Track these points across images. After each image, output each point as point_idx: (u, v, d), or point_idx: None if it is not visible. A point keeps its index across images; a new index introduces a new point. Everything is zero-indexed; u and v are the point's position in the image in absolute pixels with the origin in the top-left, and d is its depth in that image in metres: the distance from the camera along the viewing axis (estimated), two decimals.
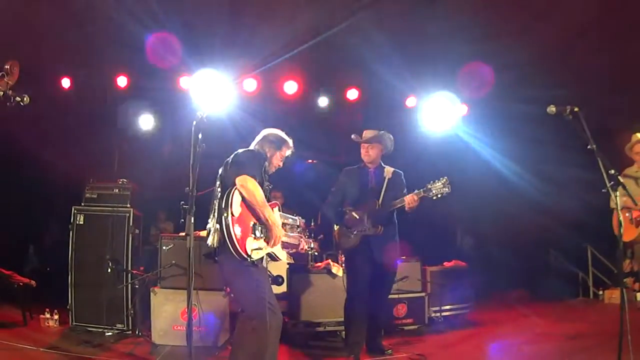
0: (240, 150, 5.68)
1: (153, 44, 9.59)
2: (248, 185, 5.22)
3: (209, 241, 5.24)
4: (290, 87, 11.22)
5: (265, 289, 5.39)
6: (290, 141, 6.05)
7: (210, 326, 7.74)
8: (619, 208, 5.79)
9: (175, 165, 8.68)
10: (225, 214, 5.10)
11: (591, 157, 5.54)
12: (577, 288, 13.30)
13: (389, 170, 7.54)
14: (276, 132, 6.03)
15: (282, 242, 5.84)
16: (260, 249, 5.32)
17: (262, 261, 5.61)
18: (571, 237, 13.02)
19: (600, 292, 12.44)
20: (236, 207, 5.21)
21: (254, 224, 5.36)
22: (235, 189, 5.25)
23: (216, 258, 5.32)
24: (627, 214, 8.00)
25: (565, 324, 9.53)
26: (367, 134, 7.65)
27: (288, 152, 6.06)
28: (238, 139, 8.05)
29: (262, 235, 5.41)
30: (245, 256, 5.15)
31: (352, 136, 7.66)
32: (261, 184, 5.52)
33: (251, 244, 5.23)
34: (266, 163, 5.79)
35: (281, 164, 6.04)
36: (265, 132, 6.03)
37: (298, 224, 6.42)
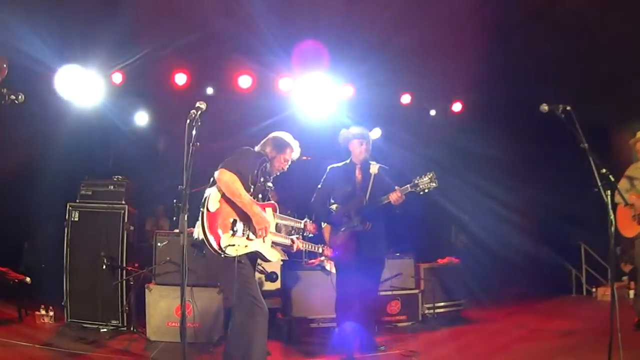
0: (238, 149, 5.75)
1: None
2: (223, 177, 5.30)
3: (194, 234, 5.29)
4: (285, 84, 11.26)
5: (250, 283, 5.45)
6: (295, 145, 6.12)
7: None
8: (609, 207, 5.81)
9: (171, 161, 8.70)
10: (202, 209, 5.19)
11: (585, 154, 5.57)
12: (571, 285, 13.34)
13: (374, 166, 7.52)
14: (282, 135, 6.10)
15: (272, 241, 5.89)
16: (235, 245, 5.31)
17: (253, 257, 5.66)
18: (565, 234, 13.06)
19: (594, 290, 12.50)
20: (213, 203, 5.26)
21: (234, 221, 5.37)
22: (215, 185, 5.33)
23: (204, 251, 5.34)
24: (630, 210, 8.01)
25: (558, 321, 9.58)
26: (364, 130, 7.70)
27: (293, 156, 6.12)
28: (233, 136, 8.06)
29: (244, 233, 5.45)
30: (219, 251, 5.20)
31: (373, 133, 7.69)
32: (254, 182, 5.60)
33: (226, 240, 5.25)
34: (267, 164, 5.84)
35: (285, 168, 6.09)
36: (272, 135, 6.12)
37: (302, 226, 6.46)
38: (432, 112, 12.31)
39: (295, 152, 6.12)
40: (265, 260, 5.82)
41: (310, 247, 6.47)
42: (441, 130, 12.31)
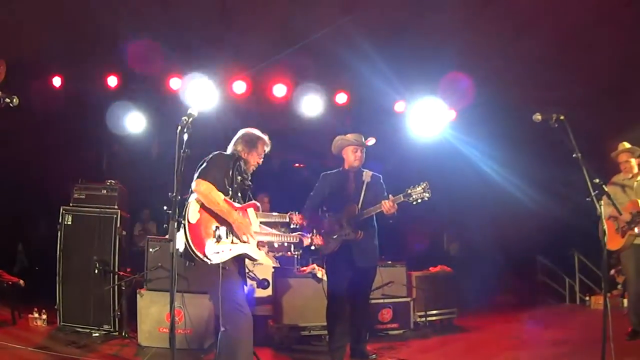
0: (209, 155, 5.79)
1: (135, 51, 9.65)
2: (200, 189, 5.37)
3: (177, 245, 5.21)
4: (279, 90, 11.25)
5: (234, 290, 5.47)
6: (265, 138, 6.15)
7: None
8: (603, 217, 5.82)
9: (163, 166, 8.71)
10: (183, 221, 5.21)
11: (578, 163, 5.57)
12: (564, 294, 13.35)
13: (367, 174, 7.49)
14: (251, 131, 6.14)
15: (263, 242, 6.06)
16: (219, 252, 5.38)
17: (241, 263, 5.78)
18: (558, 242, 13.07)
19: (587, 298, 12.51)
20: (193, 213, 5.33)
21: (217, 228, 5.45)
22: (193, 196, 5.42)
23: (194, 263, 5.39)
24: (614, 223, 8.04)
25: (551, 330, 9.59)
26: (361, 137, 7.67)
27: (266, 149, 6.16)
28: (227, 142, 8.05)
29: (228, 238, 5.51)
30: (205, 259, 5.26)
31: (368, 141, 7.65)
32: (231, 185, 5.68)
33: (211, 247, 5.32)
34: (240, 163, 5.91)
35: (260, 161, 6.13)
36: (241, 132, 6.15)
37: (287, 220, 6.43)
38: (427, 120, 12.25)
39: (267, 145, 6.17)
40: (253, 260, 5.89)
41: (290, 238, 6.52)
42: (435, 139, 12.31)
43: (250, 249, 5.69)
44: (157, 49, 9.63)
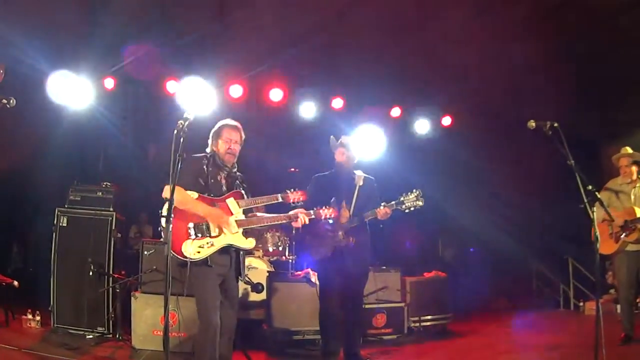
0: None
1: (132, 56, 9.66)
2: (165, 194, 5.39)
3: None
4: (276, 95, 11.26)
5: (208, 292, 5.56)
6: (226, 122, 6.10)
7: None
8: (595, 224, 5.85)
9: (159, 169, 8.71)
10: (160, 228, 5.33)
11: (572, 170, 5.60)
12: (558, 299, 13.36)
13: (360, 177, 7.40)
14: (216, 125, 6.13)
15: (251, 230, 6.14)
16: (197, 248, 5.46)
17: (233, 258, 5.81)
18: (553, 248, 13.07)
19: (581, 304, 12.51)
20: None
21: (190, 226, 5.53)
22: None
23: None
24: (608, 227, 8.08)
25: (545, 335, 9.59)
26: (348, 138, 7.66)
27: (232, 133, 6.02)
28: None
29: (205, 234, 5.56)
30: (184, 259, 5.39)
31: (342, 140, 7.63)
32: (206, 182, 5.75)
33: (187, 247, 5.43)
34: (215, 159, 5.92)
35: (232, 146, 5.96)
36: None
37: (280, 199, 6.18)
38: (422, 127, 12.26)
39: (231, 127, 6.07)
40: (241, 249, 5.86)
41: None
42: (431, 145, 12.33)
43: (235, 238, 5.72)
44: (153, 52, 9.64)
